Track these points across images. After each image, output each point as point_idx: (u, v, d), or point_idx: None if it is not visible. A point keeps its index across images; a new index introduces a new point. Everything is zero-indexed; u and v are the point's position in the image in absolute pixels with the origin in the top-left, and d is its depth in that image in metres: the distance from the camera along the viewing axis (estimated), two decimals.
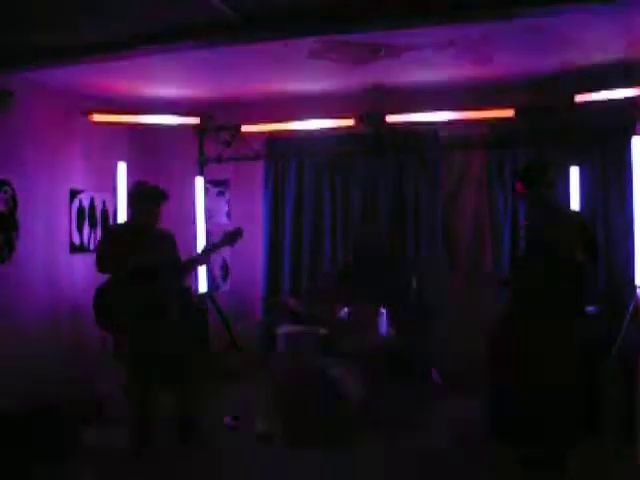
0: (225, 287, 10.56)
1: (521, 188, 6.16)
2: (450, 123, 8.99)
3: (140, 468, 6.19)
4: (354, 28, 6.62)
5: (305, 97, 9.54)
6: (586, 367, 6.67)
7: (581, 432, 6.40)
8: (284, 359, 7.70)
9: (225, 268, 10.55)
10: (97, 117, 9.08)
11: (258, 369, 8.79)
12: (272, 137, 10.04)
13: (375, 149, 9.24)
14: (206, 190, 10.16)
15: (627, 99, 8.24)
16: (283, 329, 8.07)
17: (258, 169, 10.32)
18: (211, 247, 7.01)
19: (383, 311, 7.92)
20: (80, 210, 9.23)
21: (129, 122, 9.39)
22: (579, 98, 8.36)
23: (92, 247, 9.31)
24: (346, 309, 7.98)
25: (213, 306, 9.75)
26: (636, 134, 7.93)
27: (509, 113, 8.65)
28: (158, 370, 6.77)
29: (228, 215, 10.58)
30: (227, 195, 10.60)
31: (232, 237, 6.83)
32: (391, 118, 8.94)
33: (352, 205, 10.00)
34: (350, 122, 9.18)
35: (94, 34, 6.79)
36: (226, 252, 10.33)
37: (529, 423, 6.06)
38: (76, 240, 9.14)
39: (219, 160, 9.74)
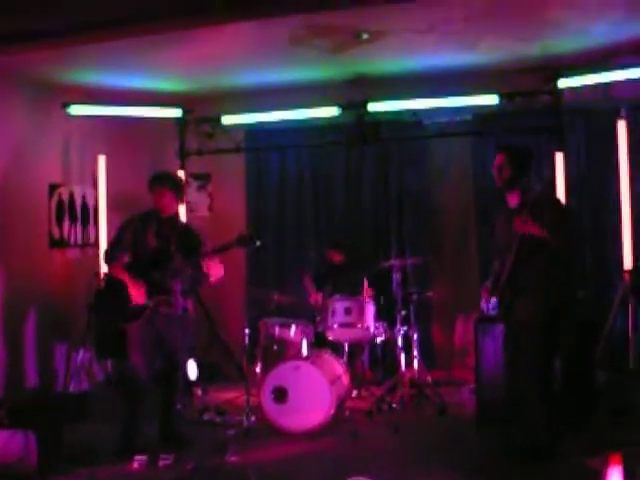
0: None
1: (501, 161, 5.96)
2: (433, 111, 8.89)
3: None
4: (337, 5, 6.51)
5: (286, 87, 9.43)
6: (576, 352, 6.62)
7: (570, 418, 6.34)
8: None
9: None
10: (76, 109, 8.93)
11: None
12: (253, 129, 9.93)
13: (358, 139, 9.12)
14: (187, 184, 10.00)
15: (611, 83, 8.21)
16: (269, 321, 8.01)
17: (240, 162, 10.24)
18: (223, 247, 6.71)
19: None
20: (59, 204, 9.07)
21: (109, 114, 9.24)
22: (563, 83, 8.29)
23: (72, 241, 9.18)
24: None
25: (195, 300, 9.60)
26: (621, 118, 7.85)
27: (493, 99, 8.57)
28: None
29: (210, 208, 10.47)
30: (209, 188, 10.50)
31: (247, 240, 6.36)
32: (373, 107, 8.83)
33: (335, 196, 9.96)
34: (332, 111, 9.07)
35: (64, 18, 6.62)
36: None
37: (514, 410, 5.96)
38: (56, 234, 8.99)
39: (200, 153, 9.61)
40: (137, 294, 6.34)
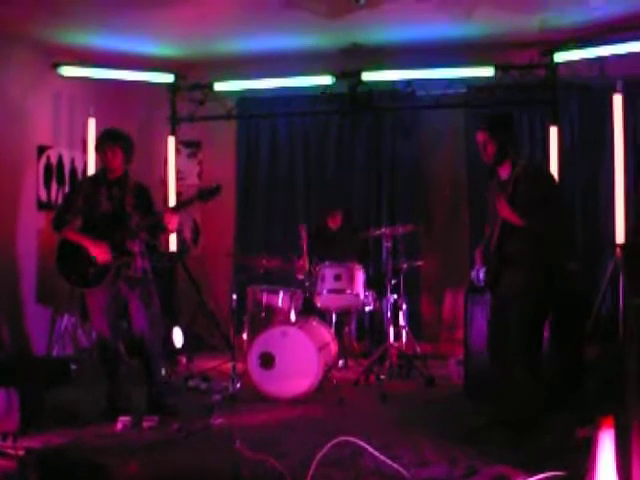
0: (196, 250, 10.37)
1: (484, 138, 5.83)
2: (428, 81, 8.84)
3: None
4: None
5: (280, 54, 9.30)
6: (566, 325, 6.56)
7: (559, 392, 6.29)
8: None
9: (196, 231, 10.36)
10: (67, 70, 8.85)
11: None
12: (245, 96, 9.84)
13: (351, 108, 9.08)
14: (177, 151, 9.95)
15: (607, 59, 8.18)
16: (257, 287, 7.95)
17: (231, 129, 10.16)
18: (184, 202, 6.60)
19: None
20: (48, 167, 8.98)
21: (100, 77, 9.16)
22: (559, 57, 8.26)
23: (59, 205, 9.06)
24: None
25: (183, 270, 9.54)
26: (617, 92, 7.80)
27: (488, 72, 8.51)
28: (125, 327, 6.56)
29: (199, 176, 10.38)
30: (199, 156, 10.41)
31: (208, 194, 6.19)
32: (368, 76, 8.78)
33: (327, 165, 9.93)
34: (326, 80, 9.01)
35: None
36: (197, 214, 10.17)
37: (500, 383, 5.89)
38: (43, 197, 8.90)
39: (192, 119, 9.53)
40: (101, 252, 6.07)
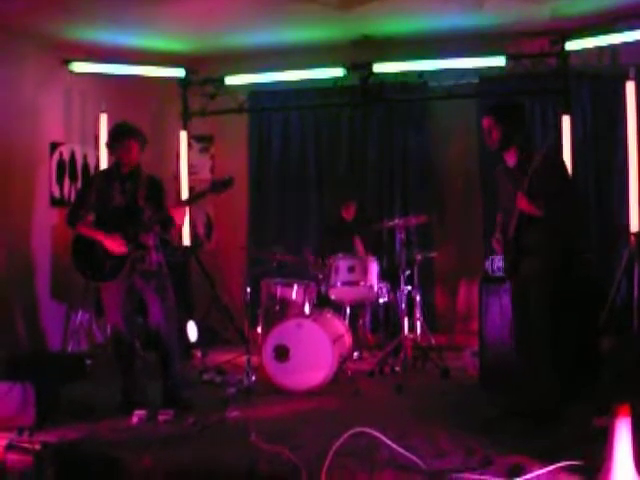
0: (209, 245, 10.38)
1: (489, 124, 5.81)
2: (439, 72, 8.82)
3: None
4: None
5: (291, 47, 9.33)
6: (580, 319, 6.52)
7: (575, 383, 6.25)
8: None
9: (209, 225, 10.37)
10: (78, 67, 8.86)
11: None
12: (257, 90, 9.85)
13: (363, 100, 9.06)
14: (189, 146, 9.97)
15: (619, 46, 8.14)
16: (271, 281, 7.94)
17: (242, 123, 10.15)
18: (197, 195, 6.60)
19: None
20: (60, 163, 9.00)
21: (111, 73, 9.19)
22: (571, 45, 8.23)
23: (72, 201, 9.07)
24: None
25: (197, 264, 9.57)
26: (629, 79, 7.77)
27: (499, 61, 8.48)
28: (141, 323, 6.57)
29: (212, 170, 10.39)
30: (211, 150, 10.41)
31: (221, 185, 6.19)
32: (379, 67, 8.76)
33: (339, 157, 9.91)
34: (337, 72, 9.00)
35: None
36: (210, 208, 10.18)
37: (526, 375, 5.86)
38: (56, 194, 8.92)
39: (203, 113, 9.53)
40: (116, 245, 6.05)
